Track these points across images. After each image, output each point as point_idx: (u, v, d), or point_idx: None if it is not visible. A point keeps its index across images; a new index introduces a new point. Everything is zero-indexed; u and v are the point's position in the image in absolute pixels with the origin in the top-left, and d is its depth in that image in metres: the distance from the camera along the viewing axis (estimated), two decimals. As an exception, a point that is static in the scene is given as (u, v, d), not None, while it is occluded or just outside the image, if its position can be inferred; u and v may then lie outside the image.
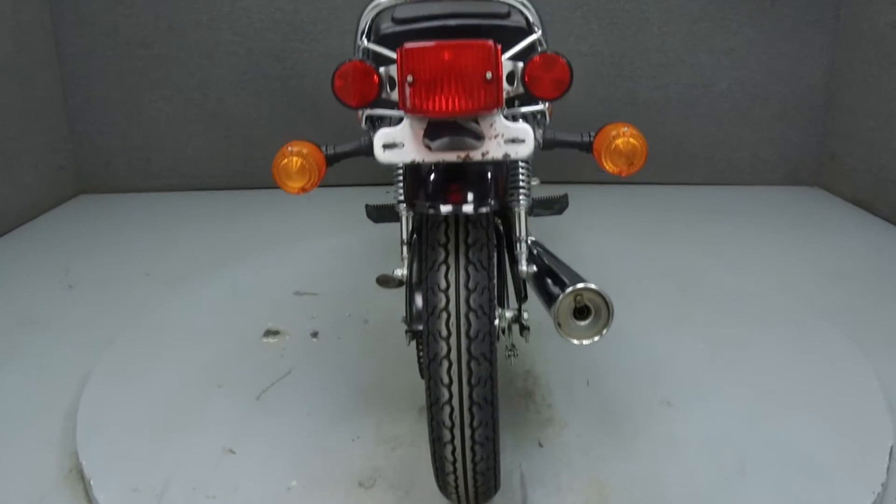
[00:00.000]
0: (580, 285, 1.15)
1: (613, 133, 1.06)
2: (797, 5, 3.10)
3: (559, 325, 1.17)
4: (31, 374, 1.85)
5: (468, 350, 1.07)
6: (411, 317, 1.23)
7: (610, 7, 3.17)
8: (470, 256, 1.09)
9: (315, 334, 1.95)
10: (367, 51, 1.13)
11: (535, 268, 1.30)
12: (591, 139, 1.09)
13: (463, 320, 1.07)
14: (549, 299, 1.20)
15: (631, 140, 1.05)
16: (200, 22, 3.16)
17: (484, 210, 1.09)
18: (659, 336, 1.90)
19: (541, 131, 1.13)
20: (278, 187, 3.27)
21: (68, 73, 3.22)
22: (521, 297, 1.35)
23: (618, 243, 2.62)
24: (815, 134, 3.26)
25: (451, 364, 1.07)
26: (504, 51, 1.04)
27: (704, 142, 3.32)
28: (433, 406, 1.10)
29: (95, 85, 3.23)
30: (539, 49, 1.12)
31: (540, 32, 1.12)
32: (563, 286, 1.18)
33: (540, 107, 1.16)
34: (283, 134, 3.29)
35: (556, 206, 1.88)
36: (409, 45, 0.97)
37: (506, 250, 1.39)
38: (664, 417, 1.56)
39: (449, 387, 1.07)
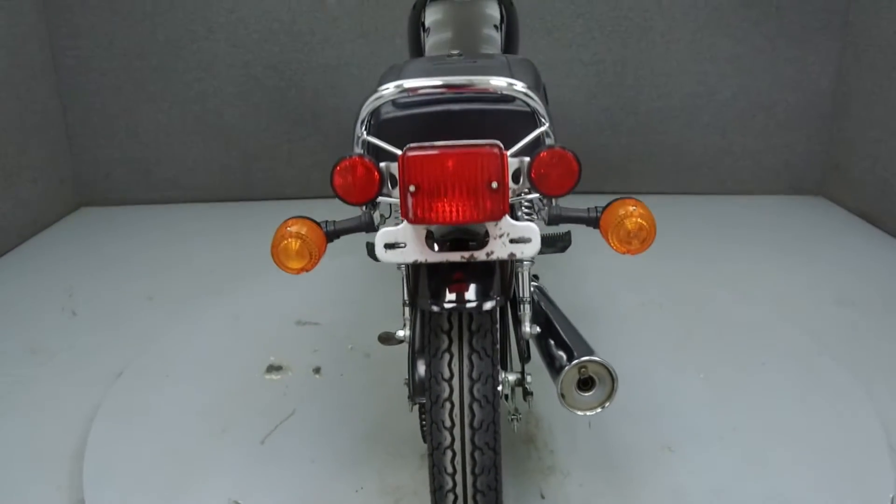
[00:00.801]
0: (585, 358, 1.17)
1: (621, 212, 1.04)
2: (804, 11, 3.09)
3: (563, 396, 1.19)
4: (38, 411, 1.88)
5: (472, 440, 1.09)
6: (413, 386, 1.24)
7: (613, 15, 3.15)
8: (474, 344, 1.11)
9: (317, 370, 1.97)
10: (366, 143, 1.12)
11: (538, 328, 1.32)
12: (599, 215, 1.07)
13: (467, 411, 1.09)
14: (552, 368, 1.22)
15: (639, 220, 1.03)
16: (197, 33, 3.16)
17: (489, 306, 1.10)
18: (659, 373, 1.92)
19: (546, 209, 1.13)
20: (277, 198, 3.31)
21: (65, 86, 3.22)
22: (524, 358, 1.36)
23: (616, 259, 2.63)
24: (820, 143, 3.26)
25: (454, 454, 1.09)
26: (510, 139, 1.04)
27: (707, 151, 3.32)
28: (436, 492, 1.12)
29: (93, 97, 3.23)
30: (546, 142, 1.10)
31: (547, 125, 1.10)
32: (567, 355, 1.20)
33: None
34: (283, 145, 3.30)
35: (558, 244, 1.89)
36: (411, 151, 0.97)
37: (509, 309, 1.40)
38: (665, 465, 1.58)
39: (453, 476, 1.10)
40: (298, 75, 3.24)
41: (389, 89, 1.05)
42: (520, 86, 1.05)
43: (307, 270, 1.10)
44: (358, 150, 1.11)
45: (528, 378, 1.32)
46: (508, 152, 1.02)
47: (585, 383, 1.20)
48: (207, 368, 1.99)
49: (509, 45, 2.07)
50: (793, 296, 2.39)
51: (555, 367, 1.20)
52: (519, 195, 1.09)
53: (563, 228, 1.90)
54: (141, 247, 2.92)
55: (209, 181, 3.39)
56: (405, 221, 1.02)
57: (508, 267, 1.18)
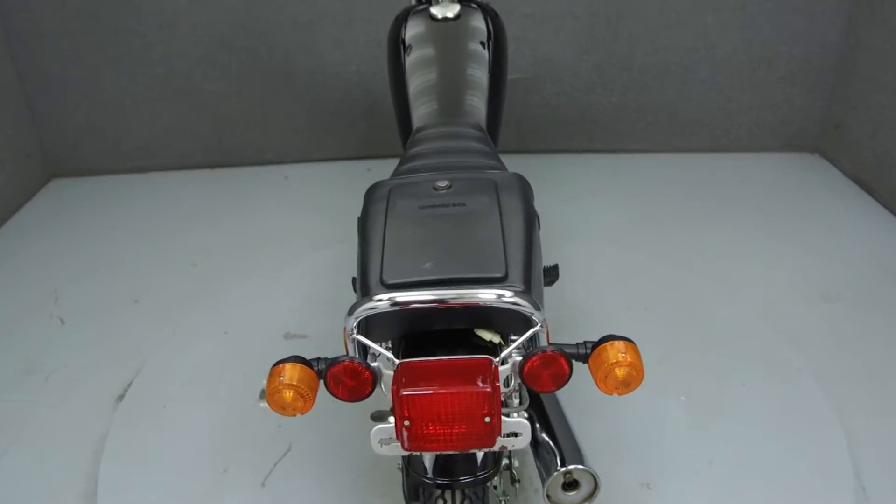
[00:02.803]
0: (572, 467, 1.35)
1: (613, 361, 1.13)
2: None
3: (548, 496, 1.39)
4: (43, 443, 2.07)
5: None
6: (407, 496, 1.42)
7: (608, -36, 3.15)
8: (466, 491, 1.28)
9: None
10: (358, 342, 1.19)
11: (525, 415, 1.50)
12: (588, 352, 1.17)
13: None
14: (541, 468, 1.40)
15: (631, 371, 1.13)
16: (154, -11, 3.14)
17: (483, 478, 1.26)
18: (643, 394, 2.11)
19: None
20: (256, 164, 3.42)
21: (19, 53, 3.22)
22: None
23: (599, 229, 2.81)
24: (822, 99, 3.34)
25: None
26: (504, 325, 1.14)
27: (703, 108, 3.40)
28: None
29: (51, 64, 3.25)
30: (539, 344, 1.16)
31: (540, 324, 1.15)
32: (558, 460, 1.37)
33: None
34: (256, 111, 3.35)
35: (545, 278, 2.04)
36: (405, 390, 1.08)
37: None
38: (643, 503, 1.81)
39: None
40: (268, 34, 3.25)
41: (383, 302, 1.16)
42: (508, 296, 1.14)
43: (305, 412, 1.24)
44: (350, 351, 1.19)
45: (516, 463, 1.51)
46: (499, 359, 1.14)
47: (570, 484, 1.39)
48: (202, 395, 2.18)
49: (497, 62, 2.11)
50: (779, 286, 2.57)
51: (543, 468, 1.38)
52: (510, 395, 1.22)
53: (550, 262, 2.05)
54: (118, 225, 3.09)
55: (182, 148, 3.46)
56: None
57: None
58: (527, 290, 1.18)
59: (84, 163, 3.45)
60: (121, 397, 2.22)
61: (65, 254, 2.93)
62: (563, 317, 2.38)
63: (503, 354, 1.15)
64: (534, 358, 1.12)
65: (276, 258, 2.82)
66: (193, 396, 2.18)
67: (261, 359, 2.35)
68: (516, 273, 1.20)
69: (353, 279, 1.98)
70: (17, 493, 1.93)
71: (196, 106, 3.37)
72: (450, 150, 1.70)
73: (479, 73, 2.01)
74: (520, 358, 1.14)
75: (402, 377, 1.11)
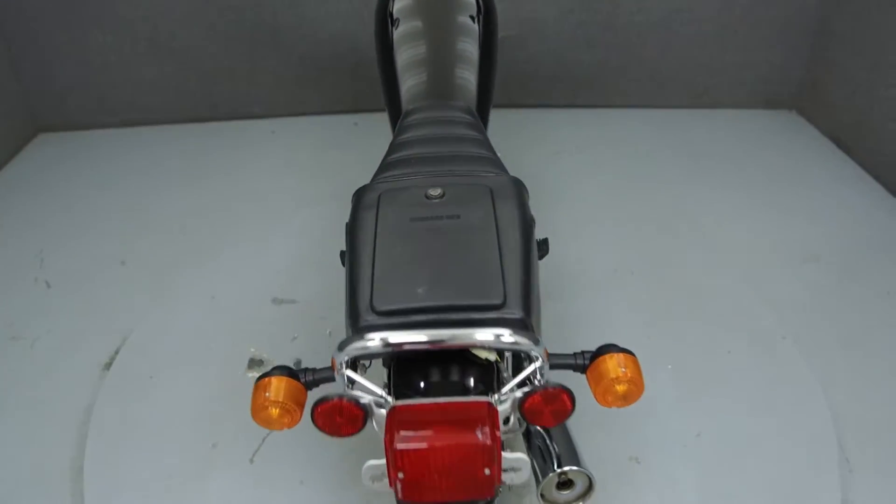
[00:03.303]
0: (567, 468, 1.19)
1: (613, 375, 1.00)
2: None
3: (542, 495, 1.23)
4: (30, 414, 1.89)
5: None
6: None
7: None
8: None
9: (298, 364, 1.97)
10: (349, 378, 1.01)
11: (524, 447, 1.32)
12: (586, 363, 1.04)
13: None
14: (534, 469, 1.24)
15: (631, 387, 1.01)
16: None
17: None
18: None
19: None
20: (243, 117, 3.20)
21: (2, 8, 2.91)
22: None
23: (584, 187, 2.62)
24: (799, 59, 3.13)
25: None
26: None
27: (684, 65, 3.17)
28: None
29: (33, 21, 2.94)
30: (540, 378, 1.00)
31: (540, 360, 0.99)
32: (550, 459, 1.21)
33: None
34: (243, 67, 3.08)
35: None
36: (400, 444, 0.91)
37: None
38: (631, 478, 1.66)
39: None
40: (255, -10, 2.96)
41: (374, 342, 0.96)
42: (506, 336, 0.96)
43: (292, 427, 1.06)
44: (341, 387, 1.01)
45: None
46: (497, 398, 0.97)
47: (565, 483, 1.23)
48: (189, 365, 1.99)
49: (487, 37, 1.87)
50: (761, 248, 2.40)
51: (539, 470, 1.22)
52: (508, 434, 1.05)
53: (540, 235, 1.84)
54: (105, 183, 2.85)
55: (169, 103, 3.19)
56: None
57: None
58: (526, 315, 1.01)
59: (71, 118, 3.17)
60: (108, 366, 2.02)
61: (51, 213, 2.69)
62: (550, 283, 2.20)
63: (502, 392, 0.99)
64: (535, 395, 0.97)
65: (264, 217, 2.60)
66: (181, 366, 1.99)
67: (248, 325, 2.17)
68: (515, 297, 1.02)
69: (342, 253, 1.76)
70: (0, 466, 1.74)
71: (182, 61, 3.08)
72: (440, 137, 1.48)
73: (470, 48, 1.78)
74: (519, 394, 0.98)
75: (396, 426, 0.93)
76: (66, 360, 2.05)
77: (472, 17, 1.81)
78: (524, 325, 1.00)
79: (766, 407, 1.84)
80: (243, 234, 2.51)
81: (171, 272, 2.34)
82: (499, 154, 1.93)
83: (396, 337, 0.95)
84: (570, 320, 2.09)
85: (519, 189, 1.23)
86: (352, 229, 1.19)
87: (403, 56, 1.81)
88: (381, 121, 2.12)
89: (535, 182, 2.72)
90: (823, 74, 3.03)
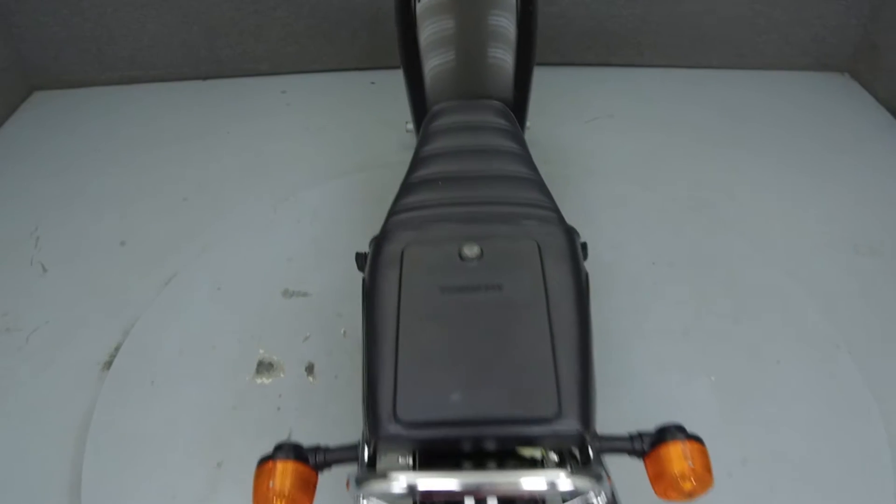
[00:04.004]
0: None
1: (678, 471, 0.83)
2: None
3: None
4: (27, 417, 1.76)
5: None
6: None
7: None
8: None
9: (310, 369, 1.83)
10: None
11: None
12: (646, 449, 0.87)
13: None
14: None
15: (698, 486, 0.84)
16: None
17: None
18: (670, 372, 1.79)
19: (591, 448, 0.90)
20: (250, 74, 2.98)
21: (-14, -46, 2.66)
22: None
23: (619, 160, 2.40)
24: (858, 17, 2.82)
25: None
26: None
27: (730, 23, 2.89)
28: None
29: (22, -33, 2.69)
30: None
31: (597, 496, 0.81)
32: None
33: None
34: (249, 17, 2.83)
35: None
36: None
37: None
38: None
39: None
40: (262, -65, 2.68)
41: (401, 484, 0.78)
42: (562, 479, 0.77)
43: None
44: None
45: None
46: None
47: None
48: (193, 368, 1.84)
49: (526, 14, 1.61)
50: (809, 235, 2.20)
51: None
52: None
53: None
54: (103, 147, 2.65)
55: (171, 59, 2.95)
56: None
57: None
58: (585, 426, 0.84)
59: (67, 74, 2.95)
60: (107, 365, 1.87)
61: (47, 180, 2.51)
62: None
63: None
64: None
65: (274, 191, 2.40)
66: (184, 369, 1.84)
67: (257, 321, 2.01)
68: (572, 403, 0.83)
69: (357, 255, 1.56)
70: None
71: (185, 13, 2.83)
72: (471, 150, 1.26)
73: (505, 23, 1.53)
74: None
75: None
76: (64, 357, 1.90)
77: (506, 16, 1.56)
78: (582, 441, 0.83)
79: (818, 428, 1.67)
80: (251, 212, 2.32)
81: (173, 255, 2.17)
82: (528, 124, 1.71)
83: (427, 483, 0.78)
84: (603, 322, 1.91)
85: (573, 246, 1.03)
86: (370, 297, 0.99)
87: (427, 33, 1.58)
88: (401, 80, 1.88)
89: (566, 154, 2.52)
90: (883, 36, 2.75)
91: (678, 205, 2.30)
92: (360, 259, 1.55)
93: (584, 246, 1.55)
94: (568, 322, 0.90)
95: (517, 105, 1.52)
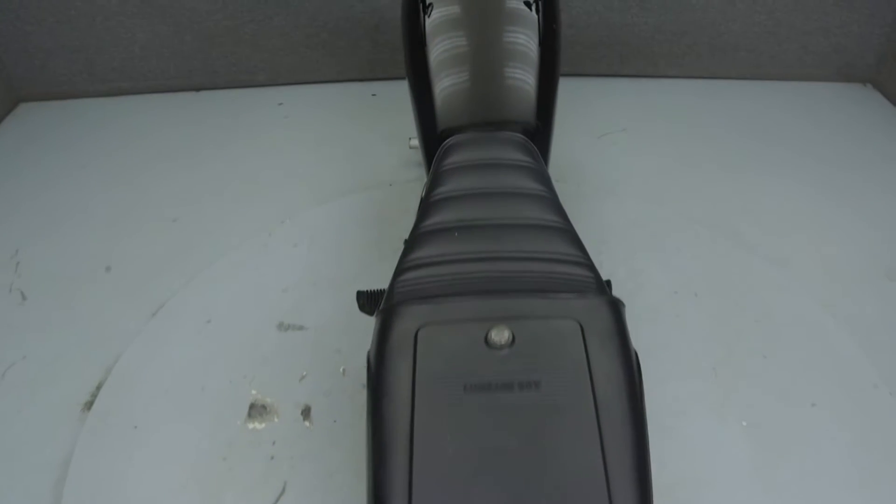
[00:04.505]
0: None
1: None
2: None
3: None
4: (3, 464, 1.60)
5: None
6: None
7: None
8: None
9: (306, 412, 1.67)
10: None
11: None
12: None
13: None
14: None
15: None
16: None
17: None
18: (697, 416, 1.64)
19: None
20: (246, 85, 2.83)
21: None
22: None
23: (634, 178, 2.24)
24: (882, 25, 2.67)
25: None
26: None
27: (748, 31, 2.73)
28: None
29: (6, -26, 2.54)
30: None
31: None
32: None
33: None
34: (245, 25, 2.68)
35: None
36: None
37: None
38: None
39: None
40: (258, -60, 2.53)
41: None
42: None
43: None
44: None
45: None
46: None
47: None
48: (179, 411, 1.68)
49: (549, 32, 1.45)
50: (839, 260, 2.05)
51: None
52: None
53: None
54: (90, 163, 2.50)
55: (163, 69, 2.80)
56: None
57: None
58: None
59: (55, 85, 2.79)
60: (88, 405, 1.72)
61: (30, 197, 2.36)
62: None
63: None
64: None
65: (268, 212, 2.25)
66: (169, 412, 1.68)
67: (249, 358, 1.84)
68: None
69: (359, 294, 1.41)
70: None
71: (177, 22, 2.67)
72: (490, 192, 1.10)
73: (524, 41, 1.38)
74: None
75: None
76: (42, 396, 1.75)
77: (527, 3, 1.41)
78: None
79: (859, 484, 1.52)
80: (244, 235, 2.16)
81: (160, 282, 2.01)
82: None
83: None
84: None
85: (620, 324, 0.86)
86: (377, 390, 0.81)
87: (438, 50, 1.42)
88: (404, 92, 1.73)
89: (577, 171, 2.36)
90: (911, 45, 2.60)
91: (698, 226, 2.15)
92: (362, 298, 1.39)
93: (609, 284, 1.39)
94: (620, 427, 0.74)
95: (539, 135, 1.36)
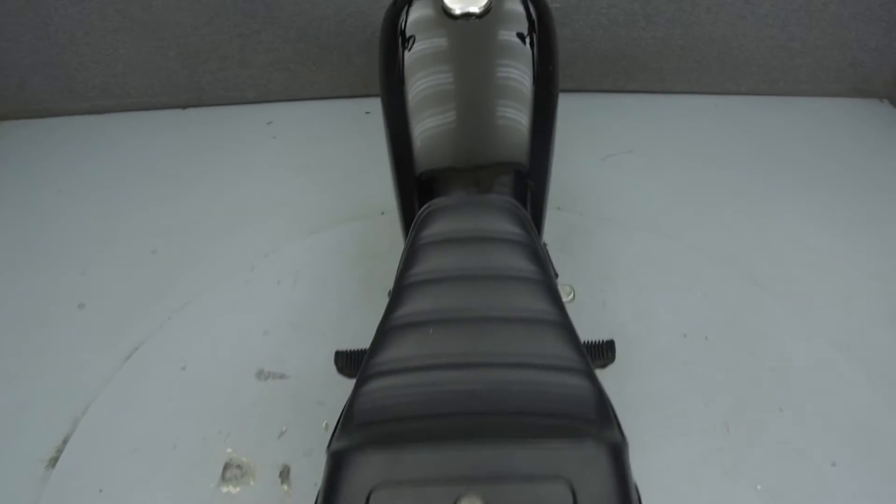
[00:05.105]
0: None
1: None
2: None
3: None
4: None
5: None
6: None
7: None
8: None
9: (285, 474, 1.54)
10: None
11: None
12: None
13: None
14: None
15: None
16: None
17: None
18: (708, 479, 1.50)
19: None
20: (234, 102, 2.68)
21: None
22: None
23: (640, 205, 2.09)
24: (900, 39, 2.51)
25: None
26: None
27: (761, 46, 2.57)
28: None
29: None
30: None
31: None
32: None
33: None
34: (232, 41, 2.54)
35: (598, 361, 1.31)
36: None
37: None
38: None
39: None
40: (244, -48, 2.38)
41: None
42: None
43: None
44: None
45: None
46: None
47: None
48: (149, 472, 1.55)
49: (543, 63, 1.29)
50: (858, 299, 1.90)
51: None
52: None
53: (605, 336, 1.31)
54: (68, 189, 2.36)
55: (147, 86, 2.66)
56: None
57: None
58: None
59: (33, 103, 2.66)
60: (52, 462, 1.59)
61: (3, 226, 2.22)
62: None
63: None
64: None
65: (252, 245, 2.11)
66: (138, 473, 1.55)
67: (225, 410, 1.71)
68: None
69: (337, 355, 1.26)
70: None
71: (161, 37, 2.53)
72: (473, 275, 0.96)
73: (517, 76, 1.23)
74: None
75: None
76: (4, 449, 1.62)
77: (520, 36, 1.26)
78: None
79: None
80: (226, 269, 2.02)
81: (136, 322, 1.88)
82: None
83: None
84: (626, 409, 1.61)
85: (621, 479, 0.71)
86: None
87: (417, 88, 1.27)
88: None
89: (579, 198, 2.21)
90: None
91: (708, 259, 2.00)
92: (341, 361, 1.23)
93: (612, 347, 1.23)
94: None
95: (533, 196, 1.21)
